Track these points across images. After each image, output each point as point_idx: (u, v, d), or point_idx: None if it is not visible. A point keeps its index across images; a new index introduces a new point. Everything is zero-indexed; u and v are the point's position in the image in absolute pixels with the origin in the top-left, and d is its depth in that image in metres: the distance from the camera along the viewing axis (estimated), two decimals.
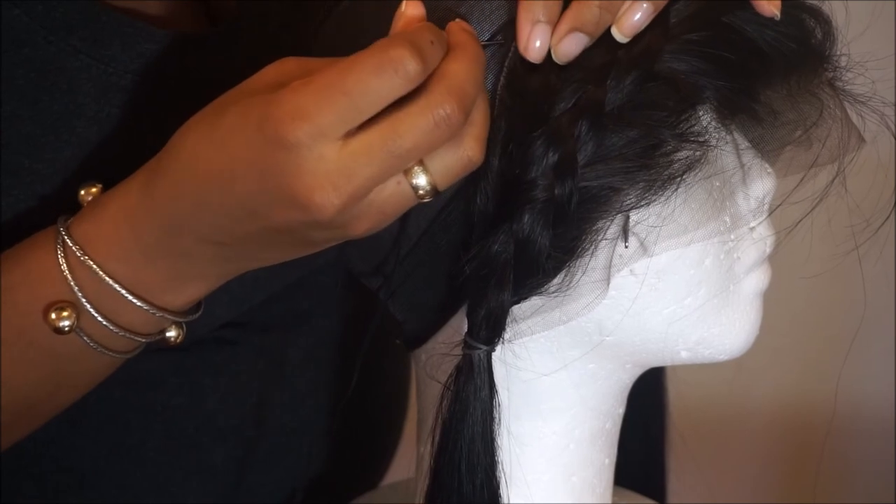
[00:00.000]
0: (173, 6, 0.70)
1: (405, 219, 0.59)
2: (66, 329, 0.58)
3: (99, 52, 0.65)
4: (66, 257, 0.58)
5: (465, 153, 0.52)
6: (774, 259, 0.64)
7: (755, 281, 0.63)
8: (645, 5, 0.54)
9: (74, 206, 0.61)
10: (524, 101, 0.56)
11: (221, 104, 0.53)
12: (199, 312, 0.62)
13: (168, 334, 0.61)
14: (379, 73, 0.50)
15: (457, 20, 0.55)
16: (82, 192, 0.61)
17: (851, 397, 1.36)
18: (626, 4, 0.55)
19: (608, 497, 0.69)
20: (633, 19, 0.55)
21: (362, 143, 0.50)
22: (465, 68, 0.51)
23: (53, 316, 0.58)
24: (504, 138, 0.56)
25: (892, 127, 0.61)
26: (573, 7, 0.55)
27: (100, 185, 0.61)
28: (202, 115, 0.54)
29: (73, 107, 0.65)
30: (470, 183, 0.57)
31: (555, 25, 0.55)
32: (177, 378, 0.72)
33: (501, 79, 0.56)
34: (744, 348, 0.63)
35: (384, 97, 0.50)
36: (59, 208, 0.61)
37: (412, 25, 0.53)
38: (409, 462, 0.68)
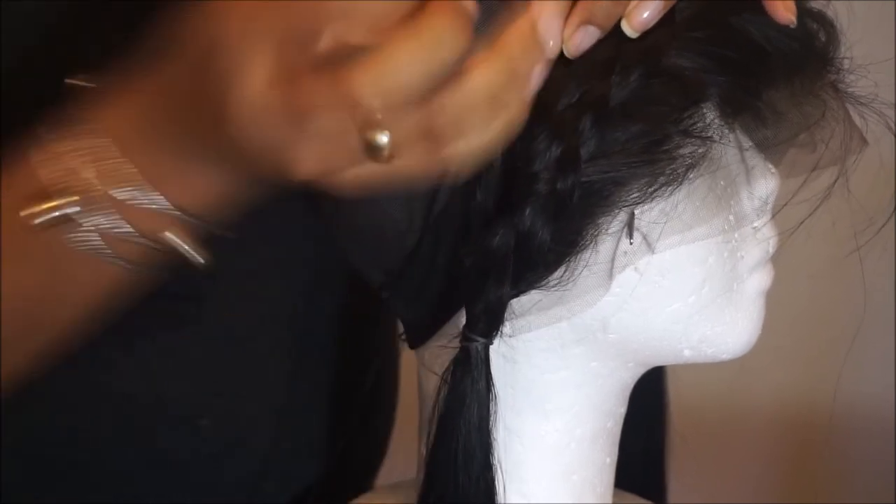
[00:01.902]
0: None
1: (408, 214, 0.60)
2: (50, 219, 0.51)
3: None
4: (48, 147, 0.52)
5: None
6: (776, 259, 0.65)
7: (758, 280, 0.63)
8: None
9: None
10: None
11: None
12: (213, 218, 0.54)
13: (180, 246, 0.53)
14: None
15: None
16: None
17: (852, 397, 1.36)
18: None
19: (608, 497, 0.69)
20: (643, 15, 0.54)
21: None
22: None
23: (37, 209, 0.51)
24: None
25: (894, 129, 0.61)
26: (583, 2, 0.55)
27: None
28: None
29: None
30: (472, 177, 0.57)
31: (565, 20, 0.55)
32: (125, 360, 0.69)
33: None
34: (746, 347, 0.64)
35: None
36: None
37: None
38: (409, 462, 0.68)
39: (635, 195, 0.56)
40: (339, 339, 0.81)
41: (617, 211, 0.56)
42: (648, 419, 0.80)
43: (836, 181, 0.61)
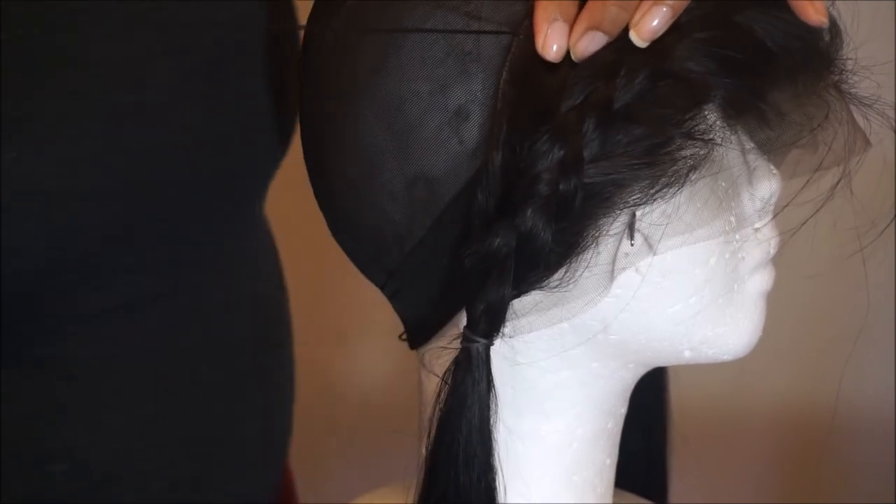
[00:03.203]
0: None
1: (409, 215, 0.59)
2: None
3: None
4: None
5: None
6: (778, 260, 0.64)
7: (759, 281, 0.63)
8: (664, 9, 0.54)
9: None
10: (529, 95, 0.56)
11: None
12: None
13: None
14: None
15: None
16: None
17: (853, 398, 1.36)
18: (645, 6, 0.55)
19: (609, 497, 0.69)
20: (651, 24, 0.55)
21: None
22: None
23: None
24: (508, 133, 0.56)
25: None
26: (590, 6, 0.55)
27: None
28: None
29: None
30: (474, 178, 0.57)
31: (572, 24, 0.55)
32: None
33: (504, 73, 0.57)
34: (747, 349, 0.64)
35: None
36: None
37: None
38: (407, 463, 0.68)
39: (637, 197, 0.56)
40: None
41: (618, 212, 0.56)
42: (650, 419, 0.80)
43: (838, 182, 0.61)
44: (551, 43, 0.55)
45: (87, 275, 0.65)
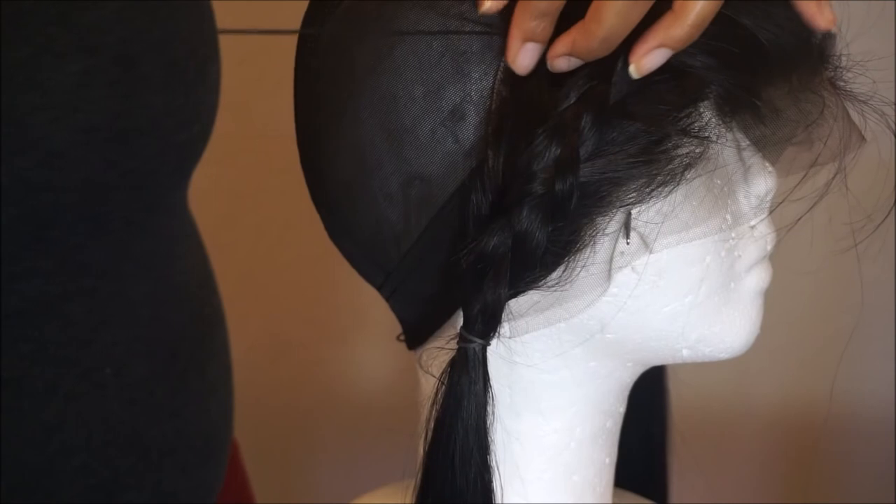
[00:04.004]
0: None
1: (405, 215, 0.59)
2: None
3: None
4: None
5: None
6: (776, 259, 0.64)
7: (756, 279, 0.63)
8: (663, 52, 0.54)
9: None
10: (524, 95, 0.56)
11: None
12: None
13: None
14: None
15: None
16: None
17: (853, 396, 1.36)
18: (643, 43, 0.54)
19: (608, 497, 0.69)
20: (650, 65, 0.54)
21: None
22: None
23: None
24: (503, 132, 0.56)
25: (893, 126, 0.61)
26: (573, 31, 0.54)
27: None
28: None
29: None
30: (469, 177, 0.57)
31: (547, 42, 0.55)
32: None
33: (499, 73, 0.57)
34: (745, 347, 0.63)
35: None
36: None
37: None
38: (405, 463, 0.68)
39: (633, 195, 0.56)
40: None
41: (614, 211, 0.56)
42: (649, 419, 0.80)
43: (833, 178, 0.61)
44: (521, 63, 0.55)
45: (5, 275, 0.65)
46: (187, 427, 0.76)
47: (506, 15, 0.56)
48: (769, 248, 0.63)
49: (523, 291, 0.57)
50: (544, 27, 0.54)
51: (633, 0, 0.53)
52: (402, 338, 0.66)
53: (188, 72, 0.70)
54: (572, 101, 0.55)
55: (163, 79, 0.62)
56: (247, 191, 1.37)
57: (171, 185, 0.74)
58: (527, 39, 0.55)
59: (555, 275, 0.57)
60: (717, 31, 0.56)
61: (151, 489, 0.73)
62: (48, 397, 0.68)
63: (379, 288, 0.64)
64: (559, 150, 0.54)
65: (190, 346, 0.76)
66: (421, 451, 0.60)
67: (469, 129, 0.57)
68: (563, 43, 0.54)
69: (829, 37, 0.60)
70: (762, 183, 0.62)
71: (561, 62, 0.55)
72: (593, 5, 0.53)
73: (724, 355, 0.63)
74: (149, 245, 0.73)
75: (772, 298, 0.65)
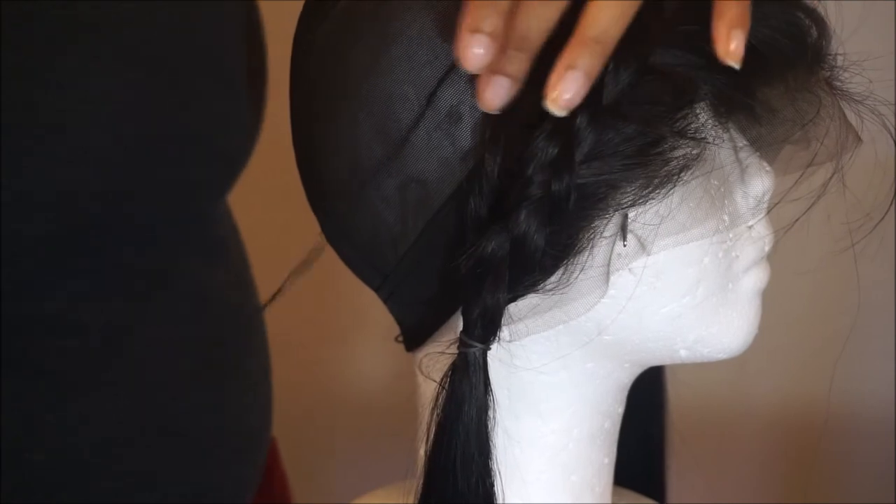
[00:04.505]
0: None
1: (402, 218, 0.59)
2: None
3: None
4: None
5: None
6: (774, 259, 0.64)
7: (754, 280, 0.63)
8: (575, 75, 0.52)
9: None
10: (520, 96, 0.56)
11: None
12: None
13: None
14: None
15: None
16: None
17: (852, 397, 1.36)
18: (558, 72, 0.52)
19: (607, 497, 0.69)
20: (564, 98, 0.52)
21: None
22: None
23: None
24: (499, 134, 0.56)
25: (891, 126, 0.61)
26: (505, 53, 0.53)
27: None
28: None
29: None
30: (466, 180, 0.57)
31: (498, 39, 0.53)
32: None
33: None
34: (743, 347, 0.63)
35: None
36: None
37: None
38: (405, 465, 0.68)
39: (630, 197, 0.56)
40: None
41: (612, 213, 0.56)
42: (648, 419, 0.80)
43: (830, 178, 0.61)
44: (487, 96, 0.54)
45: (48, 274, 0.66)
46: (228, 423, 0.77)
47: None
48: (767, 248, 0.63)
49: (522, 295, 0.57)
50: (492, 22, 0.52)
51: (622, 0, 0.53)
52: (400, 340, 0.66)
53: (236, 83, 0.70)
54: None
55: (211, 90, 0.62)
56: (245, 191, 1.37)
57: (216, 193, 0.74)
58: (474, 31, 0.52)
59: (553, 278, 0.56)
60: (705, 30, 0.56)
61: (190, 485, 0.74)
62: (90, 390, 0.68)
63: (377, 290, 0.64)
64: (555, 153, 0.54)
65: (232, 344, 0.77)
66: (422, 455, 0.60)
67: (465, 132, 0.57)
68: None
69: (823, 35, 0.60)
70: (759, 183, 0.62)
71: (491, 91, 0.53)
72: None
73: (722, 356, 0.63)
74: (194, 249, 0.73)
75: (770, 299, 0.65)
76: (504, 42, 0.52)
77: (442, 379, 0.58)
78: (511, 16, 0.52)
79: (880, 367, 1.37)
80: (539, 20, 0.53)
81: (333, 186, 0.62)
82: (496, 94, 0.53)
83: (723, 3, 0.54)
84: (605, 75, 0.54)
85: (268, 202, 1.33)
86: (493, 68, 0.53)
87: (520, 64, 0.53)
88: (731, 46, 0.53)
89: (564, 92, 0.52)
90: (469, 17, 0.52)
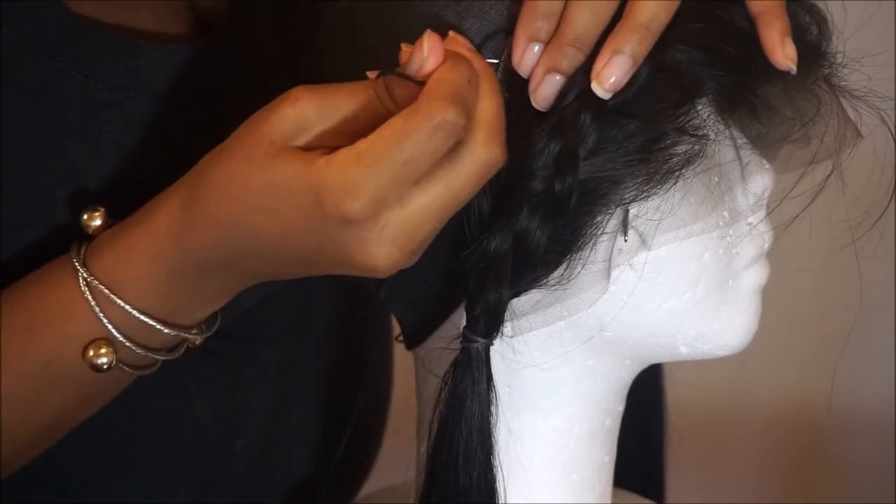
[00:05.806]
0: (160, 15, 0.69)
1: None
2: (105, 366, 0.59)
3: (88, 69, 0.65)
4: (93, 295, 0.58)
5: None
6: (774, 256, 0.64)
7: (754, 276, 0.63)
8: (623, 58, 0.54)
9: (73, 228, 0.61)
10: (525, 94, 0.56)
11: (251, 153, 0.53)
12: (217, 322, 0.62)
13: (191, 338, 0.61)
14: (431, 138, 0.50)
15: (451, 34, 0.55)
16: (85, 217, 0.61)
17: (852, 396, 1.36)
18: (604, 57, 0.54)
19: (607, 495, 0.69)
20: (609, 80, 0.54)
21: (421, 203, 0.51)
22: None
23: (91, 353, 0.58)
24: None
25: (890, 123, 0.61)
26: (548, 50, 0.55)
27: (102, 209, 0.61)
28: (231, 161, 0.54)
29: (64, 126, 0.65)
30: None
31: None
32: (161, 389, 0.70)
33: (499, 72, 0.57)
34: (742, 344, 0.64)
35: (437, 155, 0.51)
36: (52, 228, 0.62)
37: (447, 62, 0.52)
38: (407, 463, 0.68)
39: (632, 193, 0.56)
40: (337, 340, 0.82)
41: (613, 209, 0.56)
42: (647, 418, 0.80)
43: (830, 175, 0.61)
44: (528, 65, 0.55)
45: None
46: (373, 421, 0.86)
47: (507, 15, 0.57)
48: (767, 245, 0.64)
49: (525, 291, 0.57)
50: (549, 29, 0.55)
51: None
52: (400, 339, 0.66)
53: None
54: (571, 100, 0.55)
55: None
56: None
57: None
58: (532, 40, 0.55)
59: (556, 273, 0.57)
60: (712, 31, 0.56)
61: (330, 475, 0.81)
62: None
63: (377, 289, 0.64)
64: (559, 149, 0.54)
65: (356, 342, 0.83)
66: (423, 453, 0.60)
67: None
68: (539, 66, 0.55)
69: (823, 34, 0.60)
70: (760, 180, 0.62)
71: (544, 87, 0.55)
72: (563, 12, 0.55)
73: (722, 352, 0.63)
74: None
75: (770, 296, 0.65)
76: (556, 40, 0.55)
77: (445, 375, 0.58)
78: (564, 14, 0.54)
79: (880, 366, 1.37)
80: (595, 19, 0.55)
81: None
82: (551, 92, 0.55)
83: (768, 14, 0.57)
84: None
85: None
86: (548, 67, 0.55)
87: (575, 61, 0.55)
88: (788, 51, 0.56)
89: (611, 74, 0.54)
90: (524, 26, 0.55)
